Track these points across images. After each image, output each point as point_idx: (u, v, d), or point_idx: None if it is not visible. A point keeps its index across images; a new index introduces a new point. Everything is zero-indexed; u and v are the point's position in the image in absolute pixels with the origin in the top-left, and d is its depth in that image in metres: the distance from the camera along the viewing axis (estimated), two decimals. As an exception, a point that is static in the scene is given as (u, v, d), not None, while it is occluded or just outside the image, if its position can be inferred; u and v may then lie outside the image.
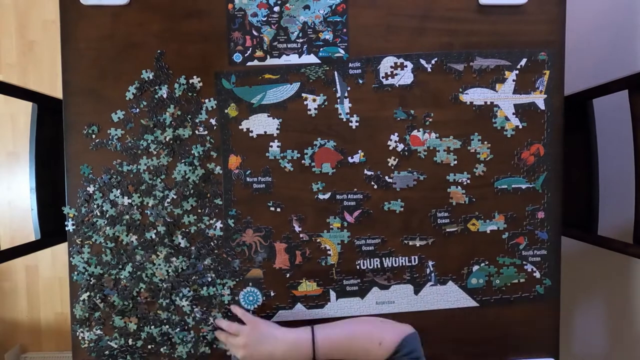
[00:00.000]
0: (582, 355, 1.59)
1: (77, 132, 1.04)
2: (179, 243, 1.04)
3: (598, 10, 1.49)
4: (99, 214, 1.04)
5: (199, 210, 1.04)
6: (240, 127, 1.04)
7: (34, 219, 1.18)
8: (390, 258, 1.07)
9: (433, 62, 1.04)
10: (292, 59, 1.04)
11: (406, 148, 1.05)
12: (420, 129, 1.05)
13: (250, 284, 1.06)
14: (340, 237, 1.05)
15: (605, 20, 1.47)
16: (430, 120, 1.05)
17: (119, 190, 1.03)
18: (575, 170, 1.21)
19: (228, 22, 1.03)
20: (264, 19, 1.03)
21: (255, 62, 1.04)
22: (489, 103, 1.05)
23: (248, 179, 1.05)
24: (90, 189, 1.04)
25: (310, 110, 1.04)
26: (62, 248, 1.17)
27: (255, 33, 1.03)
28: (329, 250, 1.06)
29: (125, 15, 1.03)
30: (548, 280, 1.08)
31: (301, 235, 1.05)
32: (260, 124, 1.04)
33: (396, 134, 1.05)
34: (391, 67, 1.04)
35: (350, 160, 1.05)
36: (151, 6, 1.03)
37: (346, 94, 1.04)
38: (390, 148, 1.05)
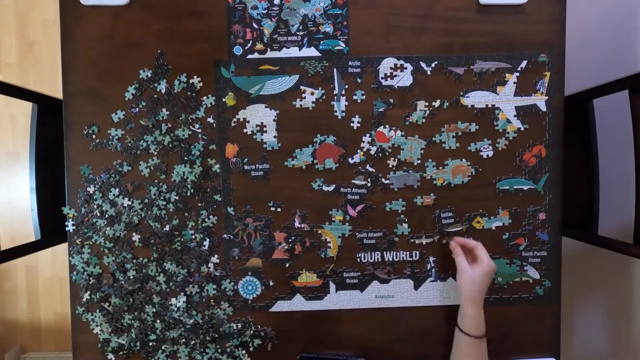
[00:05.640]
0: (582, 355, 1.58)
1: (77, 132, 1.04)
2: (179, 243, 1.04)
3: (598, 11, 1.49)
4: (98, 214, 1.04)
5: (199, 204, 1.04)
6: (237, 116, 1.04)
7: (34, 219, 1.18)
8: (391, 252, 1.07)
9: (433, 64, 1.04)
10: (293, 52, 1.04)
11: (378, 148, 1.05)
12: (387, 126, 1.05)
13: (250, 273, 1.06)
14: (341, 230, 1.06)
15: (605, 21, 1.47)
16: (410, 120, 1.05)
17: (117, 189, 1.03)
18: (575, 170, 1.21)
19: (228, 15, 1.03)
20: (264, 11, 1.03)
21: (256, 55, 1.04)
22: (490, 106, 1.05)
23: (246, 167, 1.05)
24: (91, 189, 1.04)
25: (307, 103, 1.04)
26: (62, 248, 1.17)
27: (255, 26, 1.03)
28: (329, 242, 1.06)
29: (125, 15, 1.03)
30: (548, 281, 1.08)
31: (302, 226, 1.05)
32: (257, 115, 1.04)
33: (368, 135, 1.05)
34: (391, 68, 1.04)
35: (350, 161, 1.05)
36: (151, 6, 1.03)
37: (343, 92, 1.04)
38: (364, 148, 1.05)
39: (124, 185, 1.04)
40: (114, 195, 1.03)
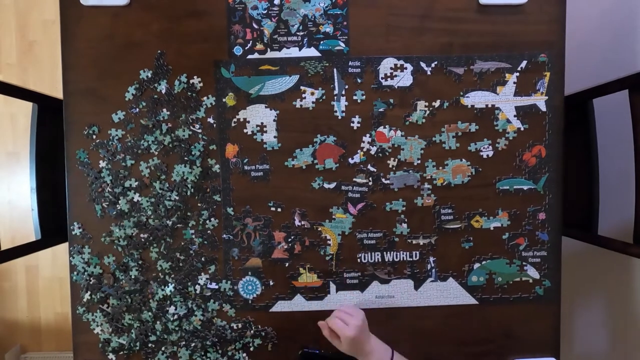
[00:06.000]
0: (582, 355, 1.59)
1: (77, 132, 1.04)
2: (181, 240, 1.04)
3: (598, 11, 1.49)
4: (100, 216, 1.04)
5: (199, 205, 1.04)
6: (237, 116, 1.04)
7: (34, 219, 1.18)
8: (391, 252, 1.07)
9: (433, 65, 1.04)
10: (293, 52, 1.04)
11: (378, 148, 1.05)
12: (387, 126, 1.05)
13: (250, 273, 1.06)
14: (341, 227, 1.06)
15: (605, 21, 1.47)
16: (410, 120, 1.05)
17: (129, 182, 1.03)
18: (575, 170, 1.21)
19: (228, 15, 1.03)
20: (264, 12, 1.03)
21: (256, 55, 1.04)
22: (490, 106, 1.05)
23: (246, 167, 1.05)
24: (91, 189, 1.04)
25: (307, 103, 1.04)
26: (62, 248, 1.17)
27: (255, 26, 1.04)
28: (329, 239, 1.06)
29: (125, 15, 1.03)
30: (547, 281, 1.08)
31: (302, 223, 1.06)
32: (257, 115, 1.04)
33: (368, 135, 1.05)
34: (391, 68, 1.04)
35: (350, 161, 1.05)
36: (151, 6, 1.03)
37: (343, 92, 1.04)
38: (364, 149, 1.05)
39: (120, 181, 1.03)
40: (117, 192, 1.03)
